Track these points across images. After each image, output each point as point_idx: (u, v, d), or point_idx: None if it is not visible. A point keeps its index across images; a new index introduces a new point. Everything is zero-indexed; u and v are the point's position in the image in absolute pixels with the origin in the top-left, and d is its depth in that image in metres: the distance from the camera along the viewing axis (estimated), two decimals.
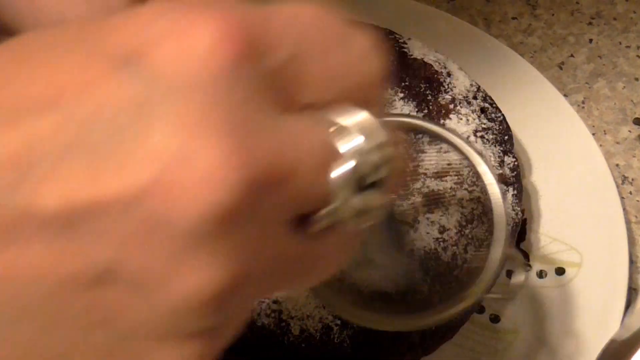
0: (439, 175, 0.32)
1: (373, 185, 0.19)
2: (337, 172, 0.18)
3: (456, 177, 0.32)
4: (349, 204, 0.19)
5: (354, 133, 0.19)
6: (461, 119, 0.47)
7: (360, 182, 0.19)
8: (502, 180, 0.45)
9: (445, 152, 0.32)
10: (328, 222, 0.19)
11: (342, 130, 0.19)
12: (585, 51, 0.66)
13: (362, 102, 0.20)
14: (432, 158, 0.32)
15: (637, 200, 0.56)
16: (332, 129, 0.19)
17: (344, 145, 0.18)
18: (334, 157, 0.18)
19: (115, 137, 0.16)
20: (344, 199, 0.18)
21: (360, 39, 0.20)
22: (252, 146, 0.16)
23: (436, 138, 0.31)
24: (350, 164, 0.18)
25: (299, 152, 0.17)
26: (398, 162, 0.20)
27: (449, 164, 0.32)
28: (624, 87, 0.64)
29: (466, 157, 0.31)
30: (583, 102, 0.63)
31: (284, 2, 0.20)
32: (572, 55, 0.66)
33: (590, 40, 0.67)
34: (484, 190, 0.31)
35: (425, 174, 0.31)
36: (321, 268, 0.21)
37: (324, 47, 0.19)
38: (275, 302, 0.39)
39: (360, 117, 0.19)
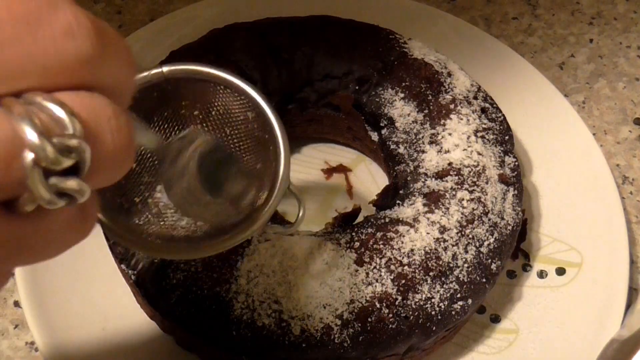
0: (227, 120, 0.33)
1: (71, 170, 0.20)
2: (24, 161, 0.19)
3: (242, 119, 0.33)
4: (43, 189, 0.20)
5: (41, 123, 0.19)
6: (461, 119, 0.47)
7: (53, 168, 0.20)
8: (502, 180, 0.45)
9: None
10: (30, 205, 0.20)
11: (32, 120, 0.19)
12: (585, 51, 0.66)
13: (73, 85, 0.20)
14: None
15: (638, 201, 0.56)
16: (21, 119, 0.19)
17: (29, 135, 0.19)
18: (21, 146, 0.19)
19: None
20: (36, 184, 0.20)
21: (59, 18, 0.20)
22: None
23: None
24: (32, 153, 0.19)
25: None
26: (97, 148, 0.21)
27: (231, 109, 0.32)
28: (625, 87, 0.64)
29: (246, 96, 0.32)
30: (583, 102, 0.63)
31: None
32: (572, 55, 0.66)
33: (591, 40, 0.67)
34: (270, 130, 0.32)
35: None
36: (42, 245, 0.22)
37: (10, 32, 0.19)
38: (276, 302, 0.39)
39: (50, 106, 0.20)
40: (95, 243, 0.47)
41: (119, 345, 0.44)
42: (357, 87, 0.51)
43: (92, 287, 0.46)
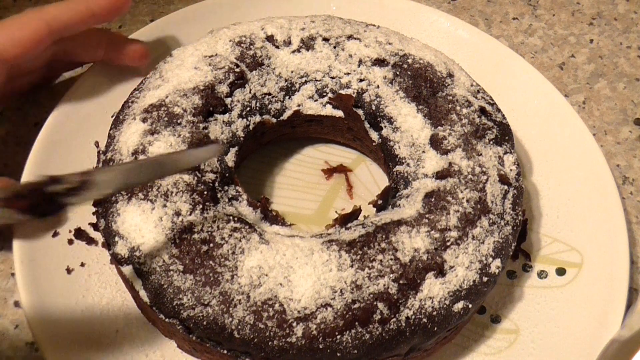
0: None
1: None
2: None
3: None
4: None
5: None
6: (462, 119, 0.47)
7: None
8: (502, 180, 0.45)
9: None
10: None
11: None
12: (586, 51, 0.66)
13: None
14: None
15: (638, 201, 0.56)
16: None
17: None
18: None
19: None
20: None
21: None
22: None
23: None
24: None
25: None
26: None
27: None
28: (625, 87, 0.64)
29: None
30: (584, 103, 0.63)
31: None
32: (572, 56, 0.66)
33: (591, 41, 0.67)
34: None
35: None
36: None
37: None
38: (278, 303, 0.39)
39: None
40: (95, 246, 0.47)
41: (120, 349, 0.44)
42: (358, 87, 0.51)
43: (92, 288, 0.46)
